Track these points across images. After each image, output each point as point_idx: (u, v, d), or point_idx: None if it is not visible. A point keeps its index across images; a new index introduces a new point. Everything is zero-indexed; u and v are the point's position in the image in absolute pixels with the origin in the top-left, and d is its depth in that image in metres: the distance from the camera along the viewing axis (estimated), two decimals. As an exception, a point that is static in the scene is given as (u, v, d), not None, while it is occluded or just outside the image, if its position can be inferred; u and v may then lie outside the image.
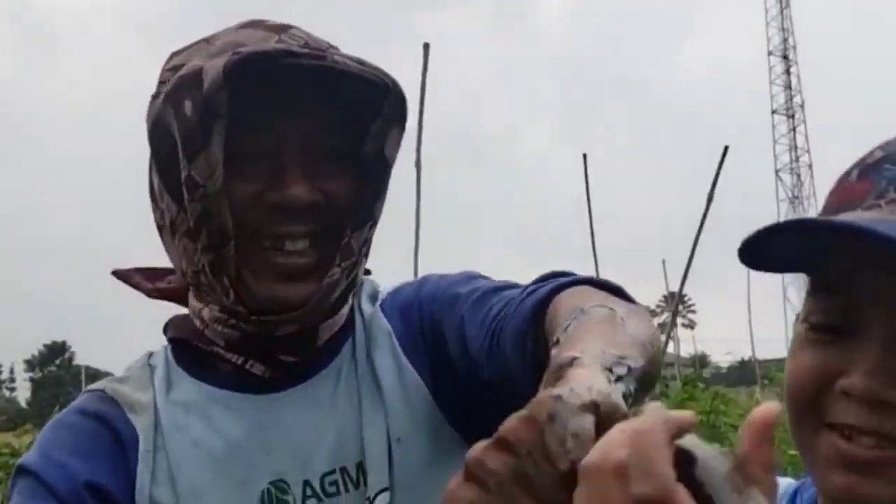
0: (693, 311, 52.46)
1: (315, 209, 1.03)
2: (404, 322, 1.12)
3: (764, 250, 0.76)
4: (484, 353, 1.01)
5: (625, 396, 0.68)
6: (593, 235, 6.34)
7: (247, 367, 1.07)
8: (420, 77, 3.65)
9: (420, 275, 1.46)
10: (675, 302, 6.47)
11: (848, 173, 0.81)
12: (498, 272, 1.12)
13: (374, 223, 1.10)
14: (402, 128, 1.07)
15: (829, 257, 0.74)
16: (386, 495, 1.04)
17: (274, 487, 1.04)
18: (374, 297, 1.16)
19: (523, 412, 0.60)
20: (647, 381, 0.78)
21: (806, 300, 0.79)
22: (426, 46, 3.87)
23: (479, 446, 0.61)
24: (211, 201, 0.99)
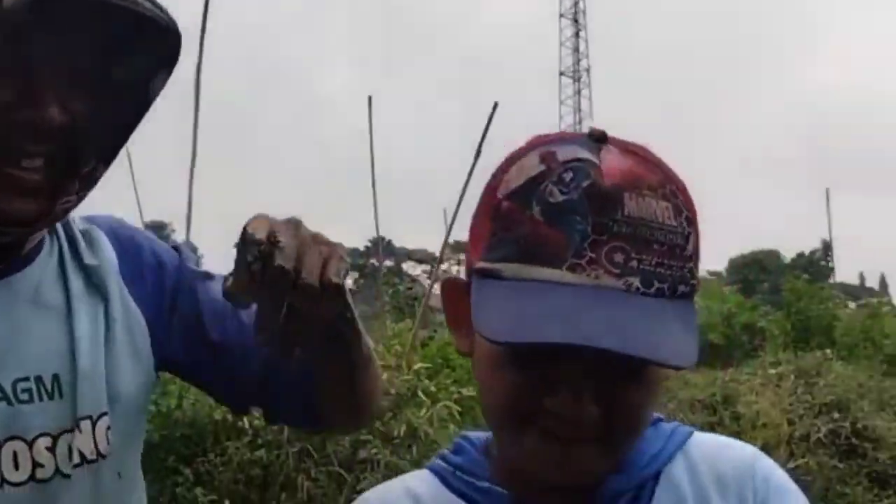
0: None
1: (61, 131, 1.00)
2: (127, 259, 1.15)
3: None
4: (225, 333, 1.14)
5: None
6: (374, 180, 6.53)
7: None
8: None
9: (195, 201, 2.18)
10: (442, 248, 6.55)
11: (513, 194, 0.78)
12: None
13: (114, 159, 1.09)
14: (171, 68, 1.08)
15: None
16: (106, 419, 1.05)
17: None
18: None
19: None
20: None
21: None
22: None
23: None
24: None
